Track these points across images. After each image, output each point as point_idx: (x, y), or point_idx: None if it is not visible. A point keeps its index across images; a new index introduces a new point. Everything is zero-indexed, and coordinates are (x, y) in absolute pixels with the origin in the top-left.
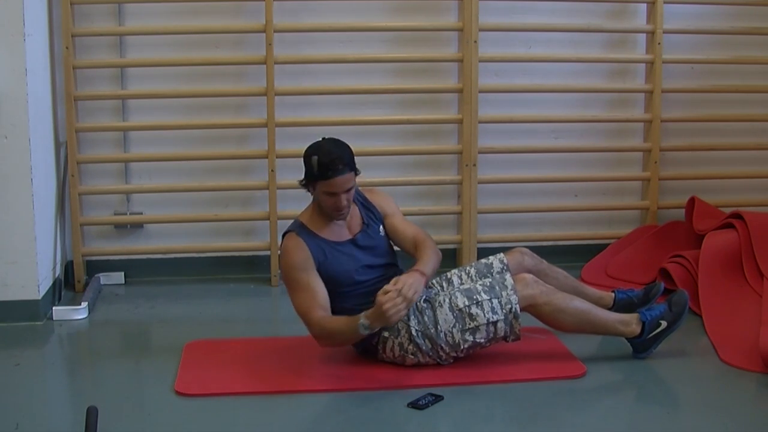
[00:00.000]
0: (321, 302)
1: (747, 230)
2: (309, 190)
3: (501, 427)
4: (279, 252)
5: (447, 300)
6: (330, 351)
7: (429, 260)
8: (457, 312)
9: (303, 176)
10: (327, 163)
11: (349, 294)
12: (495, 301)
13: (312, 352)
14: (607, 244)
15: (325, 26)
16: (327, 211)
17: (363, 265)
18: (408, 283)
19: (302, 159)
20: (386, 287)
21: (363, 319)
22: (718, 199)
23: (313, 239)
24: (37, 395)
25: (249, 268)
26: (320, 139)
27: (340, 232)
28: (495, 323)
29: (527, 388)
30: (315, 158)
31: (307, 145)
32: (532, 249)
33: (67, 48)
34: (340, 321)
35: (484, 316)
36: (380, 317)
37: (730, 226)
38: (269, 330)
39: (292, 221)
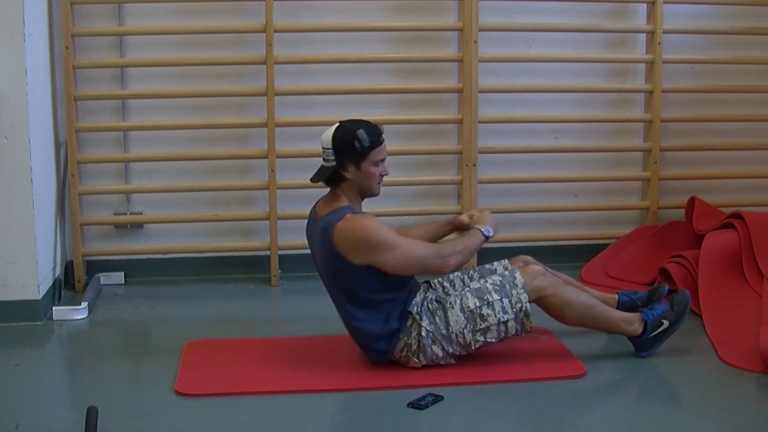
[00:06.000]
0: (421, 242)
1: (747, 230)
2: (341, 175)
3: (501, 427)
4: (349, 231)
5: (458, 301)
6: (329, 350)
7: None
8: (468, 313)
9: (340, 160)
10: (375, 130)
11: (390, 278)
12: (506, 300)
13: (312, 352)
14: (607, 244)
15: (325, 26)
16: (372, 185)
17: None
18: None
19: (344, 141)
20: (462, 217)
21: (483, 228)
22: (718, 199)
23: None
24: (37, 395)
25: (249, 268)
26: (337, 123)
27: None
28: (506, 322)
29: (527, 388)
30: (361, 131)
31: (307, 144)
32: (533, 249)
33: (67, 48)
34: (462, 240)
35: (495, 316)
36: (492, 221)
37: (730, 226)
38: (269, 330)
39: (334, 212)
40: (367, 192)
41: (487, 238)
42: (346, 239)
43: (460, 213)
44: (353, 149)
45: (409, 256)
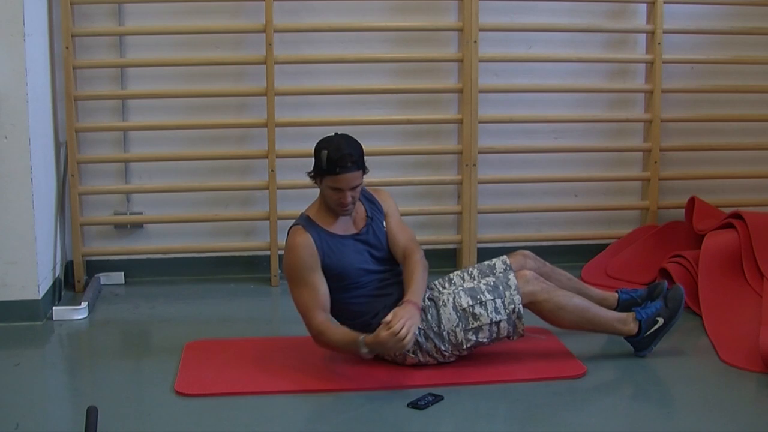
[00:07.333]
0: (322, 303)
1: (747, 230)
2: (316, 183)
3: (501, 427)
4: (285, 246)
5: (451, 299)
6: (330, 351)
7: (419, 286)
8: (460, 311)
9: (312, 168)
10: (336, 159)
11: (355, 287)
12: (498, 300)
13: (312, 352)
14: (607, 244)
15: (325, 26)
16: (331, 206)
17: (367, 259)
18: (407, 322)
19: (313, 151)
20: (386, 319)
21: (363, 346)
22: (718, 199)
23: (319, 233)
24: (37, 395)
25: (249, 268)
26: (333, 133)
27: (345, 226)
28: (498, 323)
29: (527, 388)
30: (325, 152)
31: (307, 144)
32: (533, 249)
33: (67, 48)
34: (340, 333)
35: (488, 316)
36: (380, 348)
37: (730, 226)
38: (269, 330)
39: (299, 216)
40: (331, 208)
41: (360, 354)
42: (285, 248)
43: (459, 213)
44: (316, 164)
45: (299, 304)
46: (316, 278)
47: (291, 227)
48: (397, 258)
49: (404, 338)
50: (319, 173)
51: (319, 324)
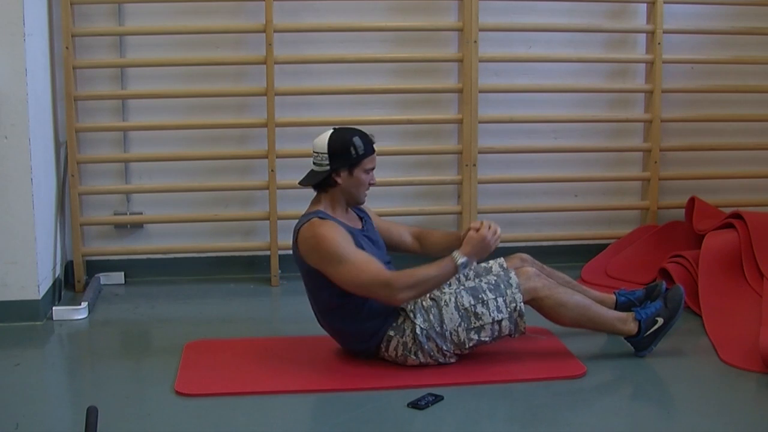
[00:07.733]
0: (380, 263)
1: (747, 230)
2: (337, 179)
3: (501, 427)
4: (308, 237)
5: (453, 299)
6: (329, 350)
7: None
8: (462, 311)
9: (335, 166)
10: (368, 139)
11: None
12: (500, 299)
13: (312, 352)
14: (607, 244)
15: (325, 26)
16: (360, 192)
17: (375, 255)
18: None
19: (330, 148)
20: (472, 226)
21: (460, 257)
22: (718, 199)
23: (339, 223)
24: (37, 395)
25: (249, 268)
26: (331, 129)
27: (352, 221)
28: (500, 322)
29: (527, 388)
30: (357, 138)
31: (307, 144)
32: (532, 249)
33: (67, 48)
34: (425, 267)
35: (490, 315)
36: (481, 249)
37: (730, 226)
38: (269, 330)
39: (303, 216)
40: (353, 199)
41: (459, 269)
42: (305, 243)
43: (459, 213)
44: (348, 155)
45: (355, 277)
46: (358, 249)
47: (303, 224)
48: (407, 245)
49: (497, 230)
50: (354, 162)
51: (393, 274)
